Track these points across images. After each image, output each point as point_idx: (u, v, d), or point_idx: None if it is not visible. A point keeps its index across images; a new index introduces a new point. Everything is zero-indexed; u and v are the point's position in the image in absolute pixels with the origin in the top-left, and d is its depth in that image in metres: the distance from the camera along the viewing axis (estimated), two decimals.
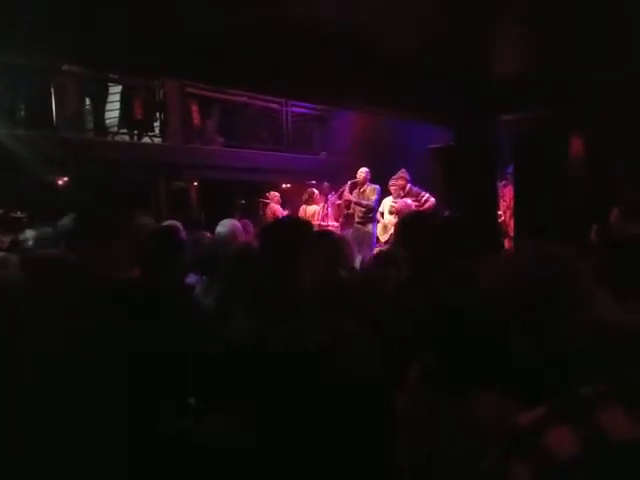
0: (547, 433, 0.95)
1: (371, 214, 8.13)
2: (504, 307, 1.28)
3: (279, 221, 2.88)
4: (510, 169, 7.56)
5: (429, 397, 1.56)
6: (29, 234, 6.21)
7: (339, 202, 9.11)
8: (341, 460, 1.60)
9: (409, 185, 7.92)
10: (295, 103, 10.83)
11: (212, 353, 1.66)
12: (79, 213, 1.88)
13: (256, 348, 1.61)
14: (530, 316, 1.24)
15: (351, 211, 8.54)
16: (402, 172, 7.99)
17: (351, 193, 8.47)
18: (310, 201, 9.47)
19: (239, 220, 4.99)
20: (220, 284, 2.53)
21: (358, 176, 8.39)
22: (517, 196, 6.31)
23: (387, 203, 8.06)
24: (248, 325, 1.71)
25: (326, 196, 9.48)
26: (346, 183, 8.77)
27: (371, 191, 8.21)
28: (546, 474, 0.92)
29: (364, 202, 8.19)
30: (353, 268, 3.45)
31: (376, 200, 8.14)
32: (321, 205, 9.34)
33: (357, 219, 8.27)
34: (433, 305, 1.69)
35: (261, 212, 9.73)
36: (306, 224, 2.20)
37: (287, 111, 10.94)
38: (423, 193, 7.83)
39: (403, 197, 7.89)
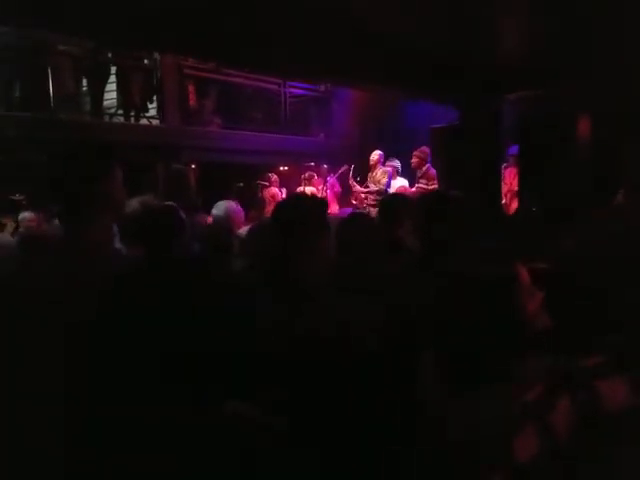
0: (603, 379, 0.97)
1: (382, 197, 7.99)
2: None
3: (295, 198, 2.80)
4: (511, 150, 7.47)
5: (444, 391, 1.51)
6: (27, 215, 6.19)
7: (342, 188, 8.98)
8: (360, 440, 1.59)
9: (428, 165, 7.78)
10: (293, 84, 10.70)
11: (235, 335, 1.63)
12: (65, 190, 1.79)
13: (276, 331, 1.59)
14: None
15: (357, 202, 8.41)
16: (424, 148, 7.79)
17: (355, 180, 8.38)
18: (309, 182, 9.38)
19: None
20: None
21: (371, 159, 8.28)
22: (522, 177, 6.24)
23: (397, 186, 7.97)
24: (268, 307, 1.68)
25: (325, 178, 9.41)
26: (343, 165, 8.69)
27: (382, 174, 8.11)
28: (591, 418, 0.95)
29: (374, 189, 8.11)
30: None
31: (387, 183, 8.06)
32: (320, 187, 9.27)
33: (370, 202, 8.15)
34: (449, 287, 1.65)
35: (259, 194, 9.65)
36: (322, 202, 2.13)
37: (285, 92, 10.80)
38: (435, 181, 7.68)
39: (419, 178, 7.79)
